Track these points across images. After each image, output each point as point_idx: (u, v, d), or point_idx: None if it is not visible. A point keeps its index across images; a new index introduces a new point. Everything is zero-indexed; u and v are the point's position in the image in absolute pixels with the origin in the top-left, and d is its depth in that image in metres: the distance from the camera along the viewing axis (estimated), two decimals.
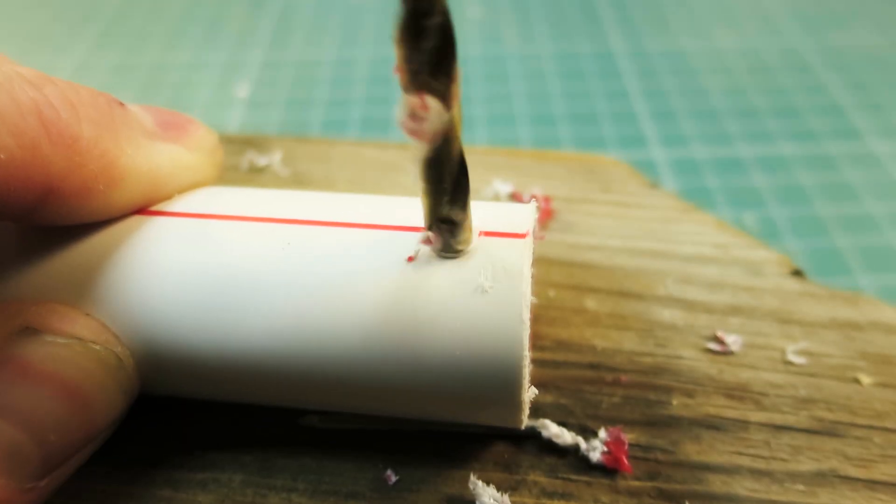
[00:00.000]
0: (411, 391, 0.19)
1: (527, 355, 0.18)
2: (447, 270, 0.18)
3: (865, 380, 0.24)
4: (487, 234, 0.19)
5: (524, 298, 0.18)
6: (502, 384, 0.18)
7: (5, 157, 0.15)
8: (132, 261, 0.19)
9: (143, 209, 0.21)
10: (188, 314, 0.19)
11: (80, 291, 0.19)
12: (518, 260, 0.18)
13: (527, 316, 0.18)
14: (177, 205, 0.21)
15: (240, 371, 0.19)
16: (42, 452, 0.17)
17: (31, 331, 0.18)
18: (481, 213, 0.19)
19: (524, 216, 0.19)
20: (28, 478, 0.17)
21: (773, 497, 0.21)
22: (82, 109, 0.17)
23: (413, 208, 0.20)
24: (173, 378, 0.21)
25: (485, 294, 0.18)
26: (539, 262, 0.28)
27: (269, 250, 0.19)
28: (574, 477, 0.22)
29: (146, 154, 0.20)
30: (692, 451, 0.22)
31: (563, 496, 0.21)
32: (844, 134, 0.43)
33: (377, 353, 0.18)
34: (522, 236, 0.19)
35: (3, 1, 0.59)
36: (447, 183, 0.16)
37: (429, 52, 0.13)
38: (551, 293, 0.27)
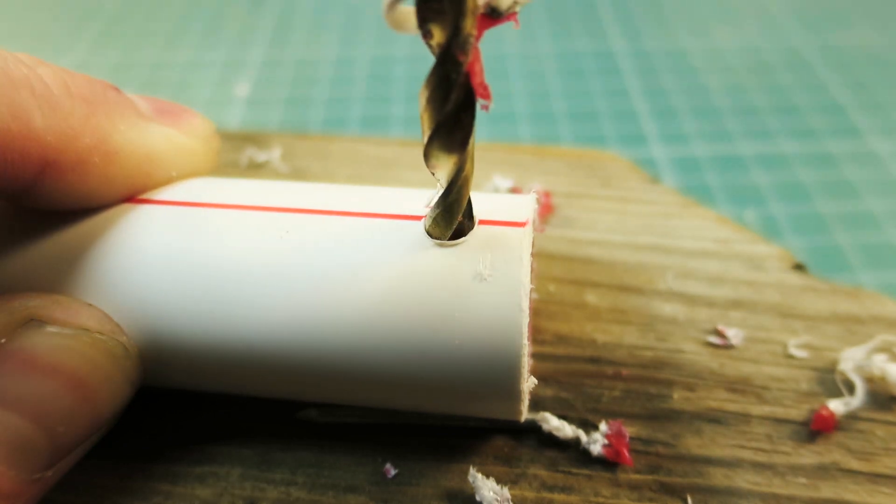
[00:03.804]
0: (410, 381, 0.19)
1: (526, 344, 0.18)
2: (446, 258, 0.18)
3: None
4: (487, 222, 0.19)
5: (523, 286, 0.18)
6: (501, 373, 0.18)
7: (1, 126, 0.16)
8: (130, 250, 0.19)
9: (141, 198, 0.21)
10: (187, 304, 0.19)
11: (79, 281, 0.19)
12: (517, 248, 0.18)
13: (526, 304, 0.18)
14: (176, 193, 0.21)
15: (239, 361, 0.19)
16: (50, 444, 0.17)
17: (36, 323, 0.18)
18: (481, 202, 0.19)
19: (524, 206, 0.19)
20: (36, 469, 0.17)
21: (776, 490, 0.21)
22: (74, 88, 0.18)
23: (412, 198, 0.20)
24: (173, 369, 0.20)
25: (484, 282, 0.18)
26: (539, 256, 0.28)
27: (268, 239, 0.19)
28: (575, 470, 0.22)
29: (140, 132, 0.20)
30: (693, 444, 0.22)
31: (563, 489, 0.21)
32: (845, 132, 0.43)
33: (376, 342, 0.18)
34: (522, 225, 0.19)
35: (3, 1, 0.59)
36: (450, 107, 0.15)
37: None
38: (552, 288, 0.27)
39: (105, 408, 0.18)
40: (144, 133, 0.20)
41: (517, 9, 0.16)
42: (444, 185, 0.17)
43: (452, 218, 0.18)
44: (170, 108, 0.22)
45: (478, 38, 0.15)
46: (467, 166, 0.17)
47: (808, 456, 0.22)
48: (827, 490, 0.21)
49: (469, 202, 0.18)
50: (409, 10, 0.15)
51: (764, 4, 0.55)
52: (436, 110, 0.15)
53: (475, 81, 0.15)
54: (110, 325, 0.19)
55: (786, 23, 0.53)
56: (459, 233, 0.18)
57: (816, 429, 0.22)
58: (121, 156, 0.19)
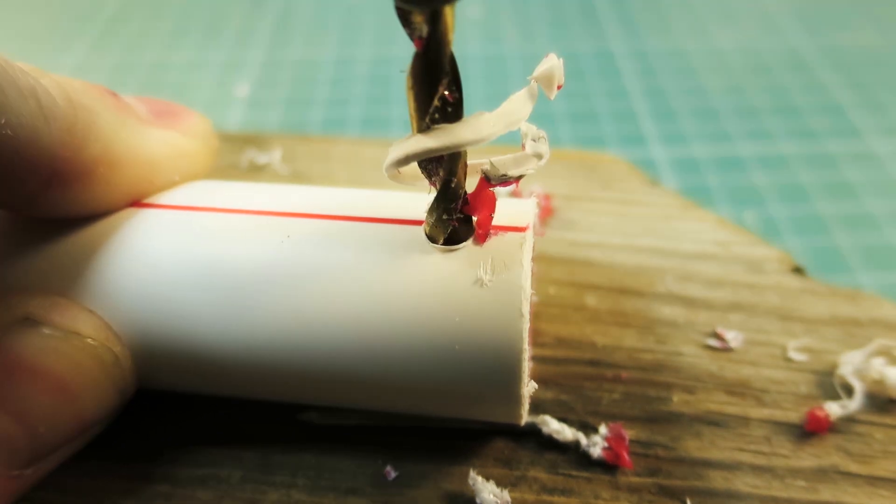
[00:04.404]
0: (411, 384, 0.19)
1: (526, 349, 0.18)
2: (447, 263, 0.18)
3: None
4: None
5: (524, 291, 0.18)
6: (501, 377, 0.18)
7: (12, 134, 0.16)
8: (133, 255, 0.19)
9: (143, 202, 0.21)
10: (189, 308, 0.19)
11: (82, 285, 0.19)
12: (518, 253, 0.18)
13: (526, 309, 0.18)
14: (178, 197, 0.21)
15: (241, 364, 0.19)
16: (31, 442, 0.17)
17: (31, 322, 0.18)
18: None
19: (524, 210, 0.19)
20: (15, 465, 0.17)
21: (775, 493, 0.21)
22: (76, 97, 0.18)
23: (413, 202, 0.20)
24: (175, 372, 0.21)
25: (484, 287, 0.18)
26: (539, 259, 0.28)
27: (270, 243, 0.19)
28: (574, 473, 0.22)
29: (142, 138, 0.20)
30: (693, 447, 0.22)
31: (563, 492, 0.21)
32: (844, 133, 0.43)
33: (376, 345, 0.18)
34: (523, 230, 0.19)
35: (3, 1, 0.59)
36: (437, 89, 0.16)
37: None
38: (552, 290, 0.27)
39: (89, 412, 0.19)
40: (146, 139, 0.20)
41: (513, 176, 0.18)
42: (438, 188, 0.18)
43: (448, 221, 0.18)
44: (167, 109, 0.22)
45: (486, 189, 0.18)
46: (459, 171, 0.17)
47: (807, 459, 0.22)
48: (826, 493, 0.21)
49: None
50: (405, 169, 0.18)
51: (764, 5, 0.55)
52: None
53: (483, 224, 0.19)
54: (106, 333, 0.19)
55: (786, 23, 0.53)
56: (460, 238, 0.18)
57: (811, 429, 0.22)
58: (124, 164, 0.19)
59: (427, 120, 0.16)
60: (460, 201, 0.18)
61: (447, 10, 0.14)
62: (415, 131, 0.16)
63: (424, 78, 0.15)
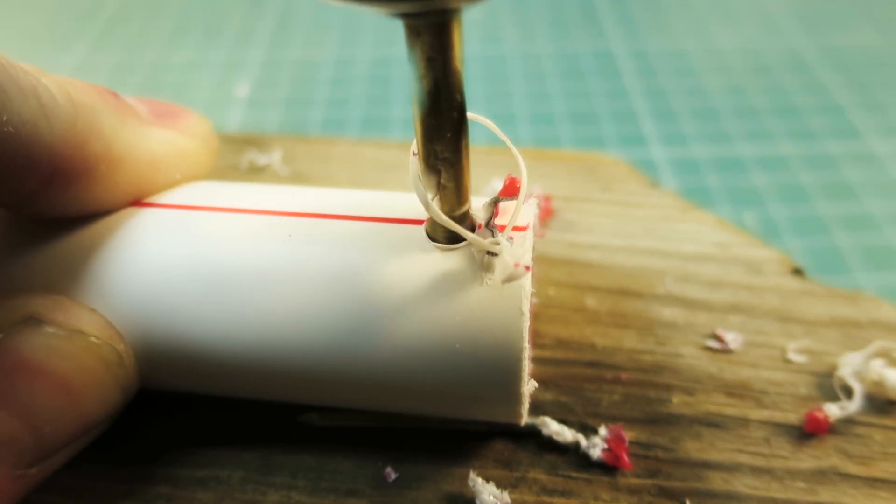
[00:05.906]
0: (411, 384, 0.19)
1: (526, 347, 0.18)
2: (447, 262, 0.18)
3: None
4: None
5: (524, 290, 0.18)
6: (502, 376, 0.18)
7: (13, 131, 0.16)
8: (134, 254, 0.20)
9: (145, 202, 0.21)
10: (190, 307, 0.19)
11: (84, 285, 0.19)
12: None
13: (527, 308, 0.18)
14: (179, 197, 0.21)
15: (242, 364, 0.19)
16: (36, 442, 0.17)
17: (34, 321, 0.18)
18: (481, 207, 0.19)
19: (525, 210, 0.19)
20: (20, 465, 0.17)
21: (774, 494, 0.21)
22: (76, 95, 0.18)
23: (413, 202, 0.20)
24: (176, 372, 0.21)
25: (485, 286, 0.18)
26: (539, 260, 0.28)
27: (271, 243, 0.19)
28: (574, 474, 0.22)
29: (142, 138, 0.20)
30: (692, 448, 0.22)
31: (563, 493, 0.21)
32: (844, 133, 0.43)
33: (377, 345, 0.18)
34: (523, 229, 0.19)
35: (3, 1, 0.59)
36: (445, 117, 0.16)
37: None
38: (551, 291, 0.27)
39: (93, 412, 0.19)
40: (146, 138, 0.20)
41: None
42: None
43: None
44: (167, 110, 0.22)
45: None
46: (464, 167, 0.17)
47: (807, 460, 0.22)
48: (825, 494, 0.21)
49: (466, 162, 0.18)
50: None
51: (764, 5, 0.55)
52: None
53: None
54: (109, 331, 0.19)
55: (785, 23, 0.53)
56: (460, 237, 0.18)
57: (810, 431, 0.22)
58: (125, 162, 0.19)
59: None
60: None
61: (455, 31, 0.14)
62: (420, 158, 0.17)
63: (434, 108, 0.16)
